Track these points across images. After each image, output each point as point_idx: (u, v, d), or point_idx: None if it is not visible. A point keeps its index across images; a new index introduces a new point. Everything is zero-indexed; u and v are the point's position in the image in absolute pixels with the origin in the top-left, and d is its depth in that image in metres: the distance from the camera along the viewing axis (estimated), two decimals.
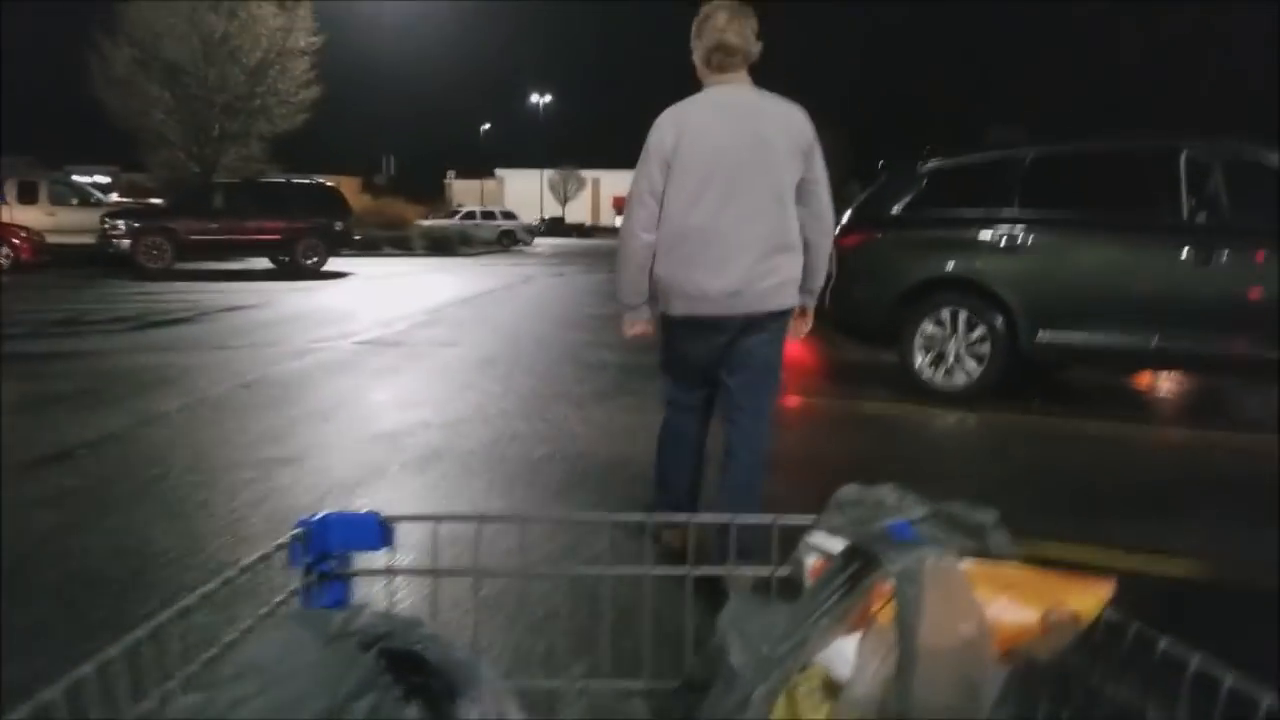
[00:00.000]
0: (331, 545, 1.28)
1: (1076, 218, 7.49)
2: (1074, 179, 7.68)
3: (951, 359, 7.82)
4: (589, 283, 22.12)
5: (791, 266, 3.45)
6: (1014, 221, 7.60)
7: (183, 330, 11.66)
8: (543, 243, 54.64)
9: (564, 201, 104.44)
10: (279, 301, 15.51)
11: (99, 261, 22.59)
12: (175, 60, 31.88)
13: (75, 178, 30.56)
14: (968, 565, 1.00)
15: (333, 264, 24.50)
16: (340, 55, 39.15)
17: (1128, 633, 1.00)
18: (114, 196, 45.75)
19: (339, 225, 24.44)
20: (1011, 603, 0.95)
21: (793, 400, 7.77)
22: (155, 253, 22.46)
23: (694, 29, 3.52)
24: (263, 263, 24.62)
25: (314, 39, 33.73)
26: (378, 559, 1.36)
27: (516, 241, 48.13)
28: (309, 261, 23.92)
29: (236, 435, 6.24)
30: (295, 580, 1.29)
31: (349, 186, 58.04)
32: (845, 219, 8.58)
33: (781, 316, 3.53)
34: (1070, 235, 7.46)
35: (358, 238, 26.36)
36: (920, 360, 7.96)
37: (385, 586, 1.41)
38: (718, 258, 3.36)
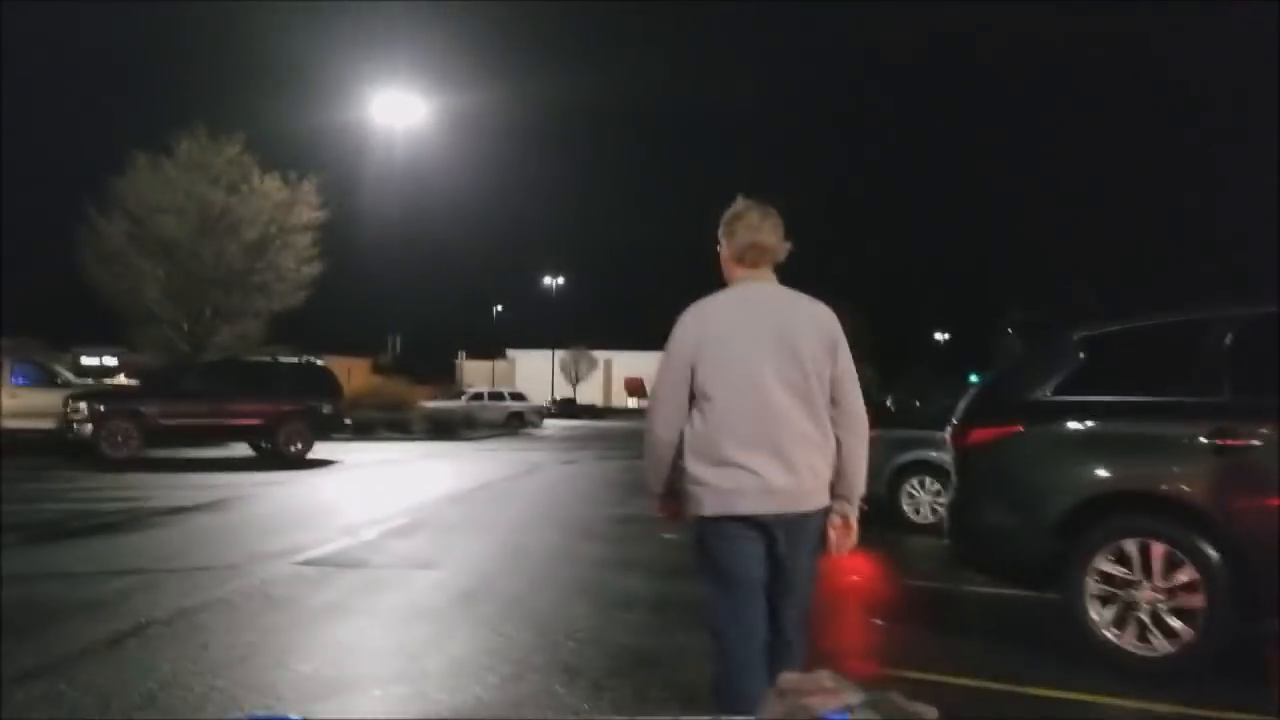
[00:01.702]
0: None
1: None
2: None
3: (1145, 615, 5.32)
4: (604, 472, 19.67)
5: (824, 465, 3.40)
6: (1232, 412, 5.24)
7: (100, 543, 9.20)
8: (553, 424, 52.44)
9: (575, 382, 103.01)
10: (241, 499, 13.09)
11: (60, 449, 20.31)
12: (170, 235, 30.48)
13: (84, 360, 28.37)
14: None
15: (320, 450, 22.17)
16: (345, 232, 38.05)
17: None
18: (121, 378, 43.99)
19: (328, 408, 22.23)
20: None
21: (905, 676, 5.23)
22: (120, 439, 20.14)
23: (724, 226, 3.59)
24: (243, 449, 22.34)
25: (317, 214, 32.43)
26: None
27: (525, 424, 45.93)
28: (293, 449, 21.60)
29: None
30: None
31: (358, 368, 56.56)
32: (964, 406, 6.25)
33: (818, 518, 3.44)
34: None
35: (348, 422, 24.04)
36: (1097, 615, 5.45)
37: None
38: (753, 457, 3.30)
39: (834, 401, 3.42)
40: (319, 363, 23.48)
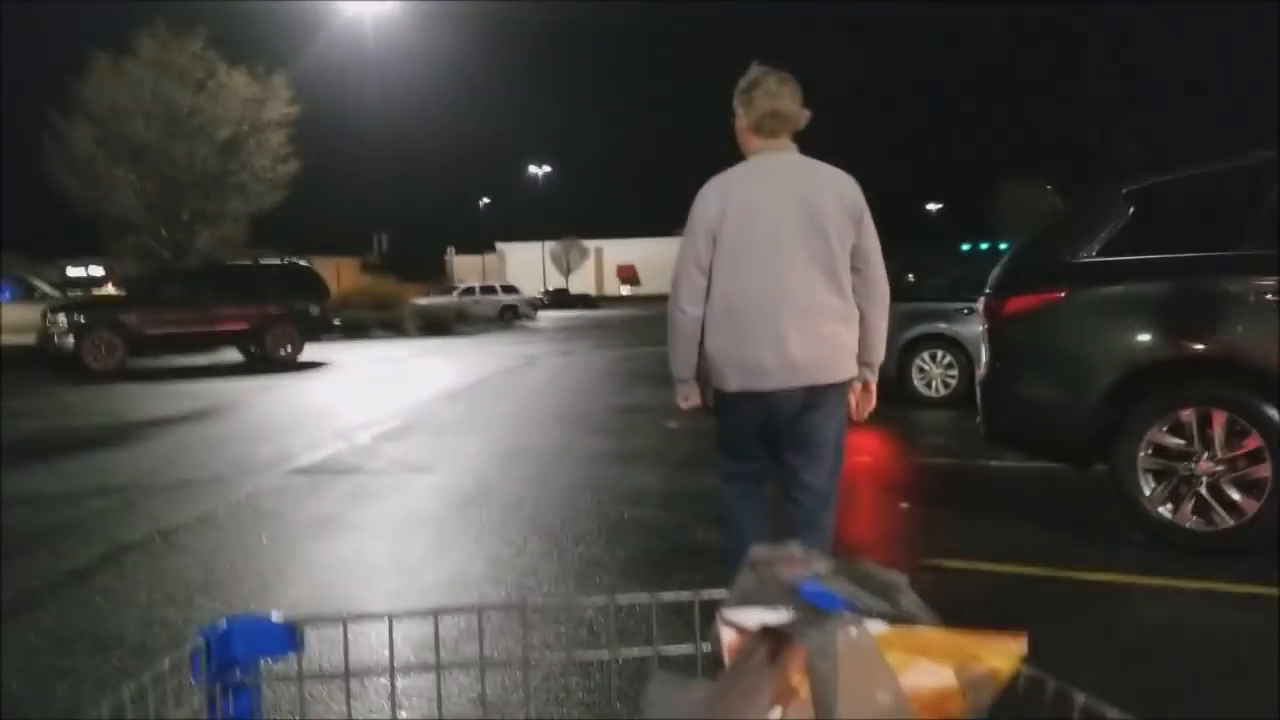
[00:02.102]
0: (236, 654, 1.19)
1: None
2: None
3: (1204, 489, 4.88)
4: (603, 362, 19.21)
5: (848, 336, 3.37)
6: None
7: (77, 461, 8.73)
8: (547, 316, 51.89)
9: (567, 273, 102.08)
10: (229, 406, 12.62)
11: (42, 363, 19.80)
12: (139, 138, 29.38)
13: (70, 271, 27.53)
14: (880, 630, 0.96)
15: (310, 352, 21.68)
16: (322, 128, 36.87)
17: (1046, 689, 1.00)
18: (110, 289, 43.08)
19: (315, 309, 21.67)
20: (928, 665, 0.93)
21: (938, 563, 4.82)
22: (104, 351, 19.62)
23: (740, 96, 3.46)
24: (233, 354, 21.85)
25: (290, 110, 31.23)
26: (288, 663, 1.24)
27: (519, 316, 45.37)
28: (282, 352, 21.12)
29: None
30: (199, 694, 1.15)
31: (347, 268, 55.51)
32: (999, 274, 5.71)
33: (842, 389, 3.42)
34: None
35: (337, 322, 23.49)
36: (1150, 490, 5.01)
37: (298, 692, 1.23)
38: (772, 329, 3.27)
39: (857, 272, 3.38)
40: (303, 263, 22.72)
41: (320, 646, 1.30)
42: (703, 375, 3.53)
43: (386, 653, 1.31)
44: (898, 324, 11.24)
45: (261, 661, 1.25)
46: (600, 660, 1.41)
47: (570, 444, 8.85)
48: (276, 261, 22.77)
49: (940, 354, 11.14)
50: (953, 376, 11.07)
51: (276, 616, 1.23)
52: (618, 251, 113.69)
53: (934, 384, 11.18)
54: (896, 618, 1.02)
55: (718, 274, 3.36)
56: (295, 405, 12.77)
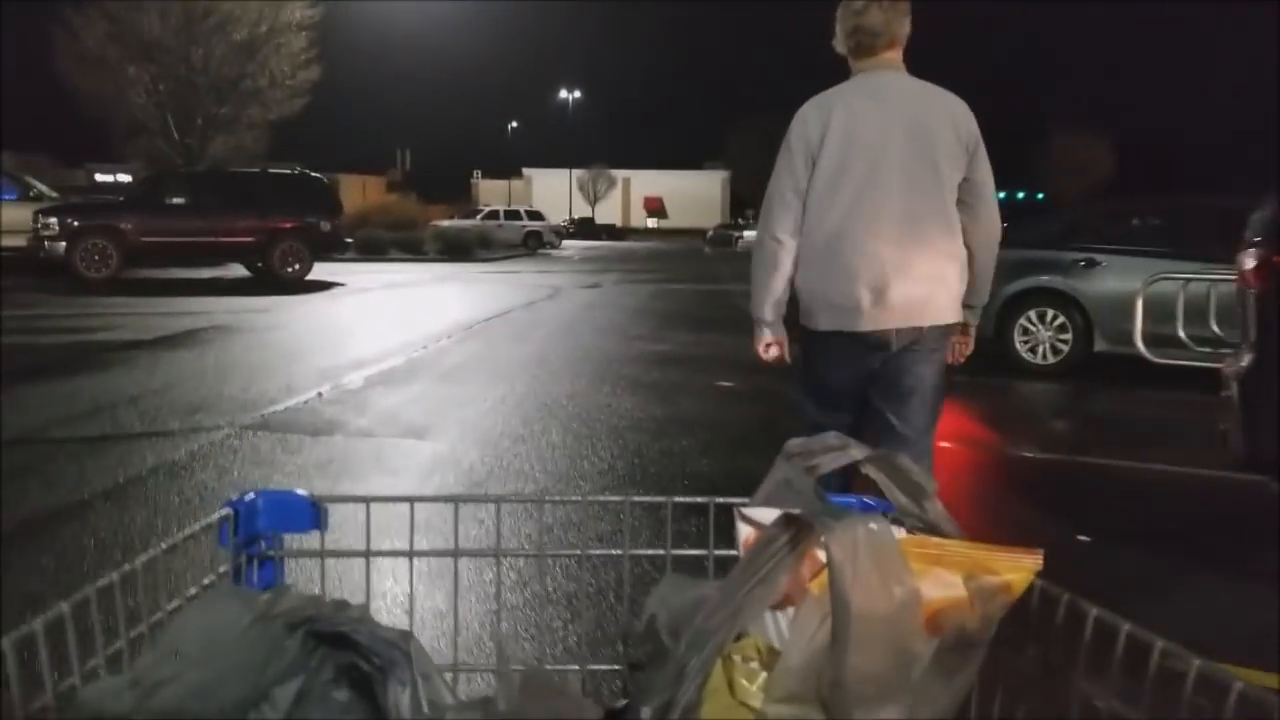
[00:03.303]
0: (261, 526, 1.22)
1: None
2: None
3: None
4: (634, 298, 17.57)
5: (955, 276, 3.09)
6: None
7: (11, 391, 7.25)
8: (571, 245, 50.18)
9: (593, 202, 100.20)
10: (214, 330, 11.14)
11: (31, 269, 18.37)
12: (152, 35, 27.66)
13: (99, 177, 25.77)
14: (900, 535, 0.98)
15: (320, 271, 20.20)
16: (346, 37, 34.99)
17: (1060, 603, 0.99)
18: None
19: (327, 225, 20.11)
20: (941, 574, 0.93)
21: None
22: (96, 258, 18.21)
23: (838, 13, 3.19)
24: (238, 269, 20.38)
25: (311, 11, 29.45)
26: (311, 540, 1.26)
27: (543, 244, 43.71)
28: (289, 269, 19.62)
29: None
30: (224, 562, 1.16)
31: (373, 185, 53.97)
32: (1263, 222, 4.06)
33: (945, 333, 3.16)
34: None
35: (350, 240, 21.92)
36: None
37: (319, 569, 1.27)
38: (872, 265, 3.00)
39: (967, 207, 3.11)
40: (315, 175, 21.07)
41: (341, 526, 1.28)
42: (783, 319, 3.24)
43: (401, 538, 1.33)
44: (998, 276, 9.61)
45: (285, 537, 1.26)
46: (613, 556, 1.35)
47: (601, 406, 7.28)
48: (287, 171, 21.08)
49: (1050, 314, 9.42)
50: (1064, 341, 9.38)
51: (302, 493, 1.27)
52: (646, 183, 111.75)
53: (1041, 349, 9.49)
54: (919, 526, 1.05)
55: (814, 202, 3.07)
56: (288, 334, 11.24)
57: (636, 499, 1.36)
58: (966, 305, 3.19)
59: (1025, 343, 9.51)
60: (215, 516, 1.17)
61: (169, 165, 28.89)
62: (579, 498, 1.53)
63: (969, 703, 1.00)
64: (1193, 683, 0.83)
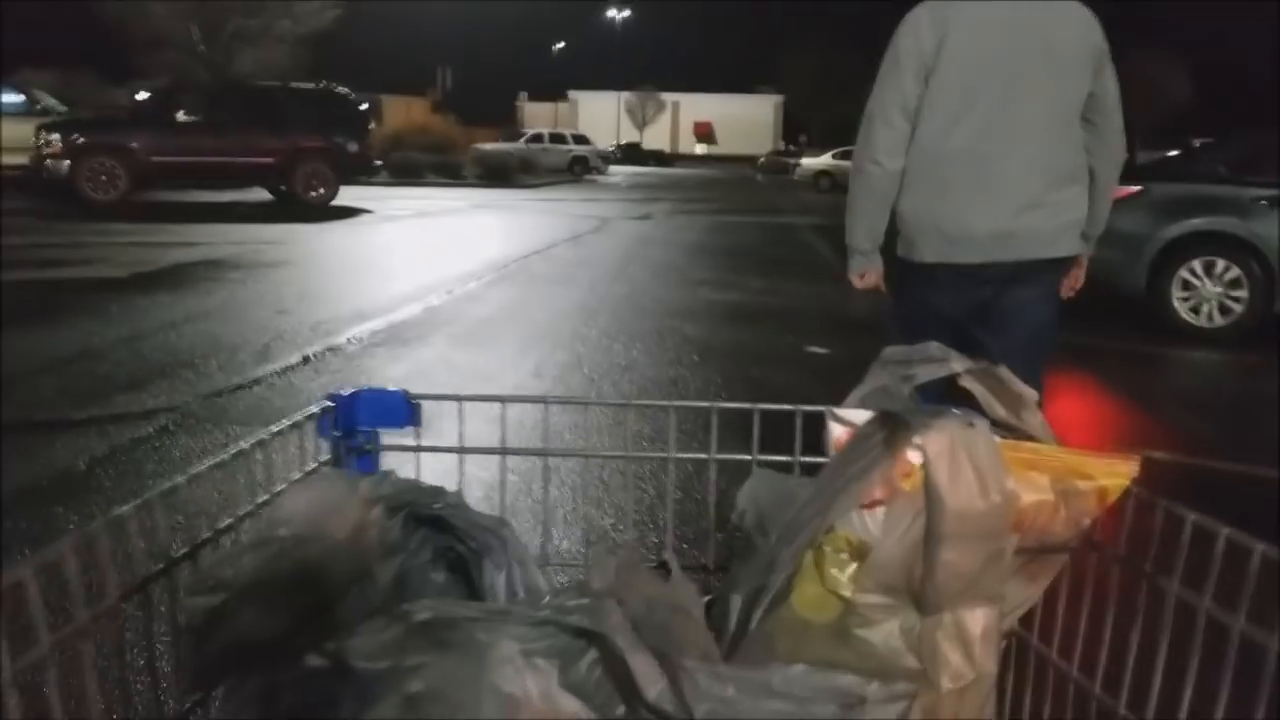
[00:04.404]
0: (360, 420, 1.28)
1: None
2: None
3: None
4: (691, 232, 15.69)
5: (1078, 203, 2.86)
6: None
7: None
8: (618, 171, 48.03)
9: (642, 126, 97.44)
10: (210, 267, 9.55)
11: (34, 190, 16.89)
12: None
13: (141, 96, 23.77)
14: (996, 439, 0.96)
15: (347, 195, 18.57)
16: None
17: (1155, 510, 0.98)
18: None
19: (354, 145, 18.41)
20: (1033, 478, 0.94)
21: None
22: (103, 179, 16.64)
23: None
24: (261, 193, 18.79)
25: None
26: (406, 437, 1.30)
27: (589, 169, 41.68)
28: (313, 194, 17.99)
29: None
30: (325, 452, 1.23)
31: (418, 108, 51.91)
32: None
33: (1059, 266, 2.91)
34: None
35: (379, 163, 20.22)
36: None
37: (414, 463, 1.27)
38: (987, 189, 2.77)
39: (1091, 125, 2.84)
40: (342, 90, 19.30)
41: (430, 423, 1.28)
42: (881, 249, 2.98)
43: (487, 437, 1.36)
44: (1152, 216, 7.72)
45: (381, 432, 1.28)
46: (698, 461, 1.32)
47: (665, 383, 5.58)
48: (310, 86, 19.34)
49: (1220, 264, 7.49)
50: (1237, 299, 7.47)
51: (400, 389, 1.29)
52: (695, 107, 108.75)
53: (1206, 309, 7.57)
54: (1015, 433, 1.03)
55: (925, 119, 2.78)
56: (291, 273, 9.59)
57: (723, 404, 1.33)
58: (1084, 235, 2.93)
59: (1186, 300, 7.61)
60: (316, 408, 1.22)
61: (194, 82, 27.31)
62: (665, 403, 1.38)
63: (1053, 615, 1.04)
64: None
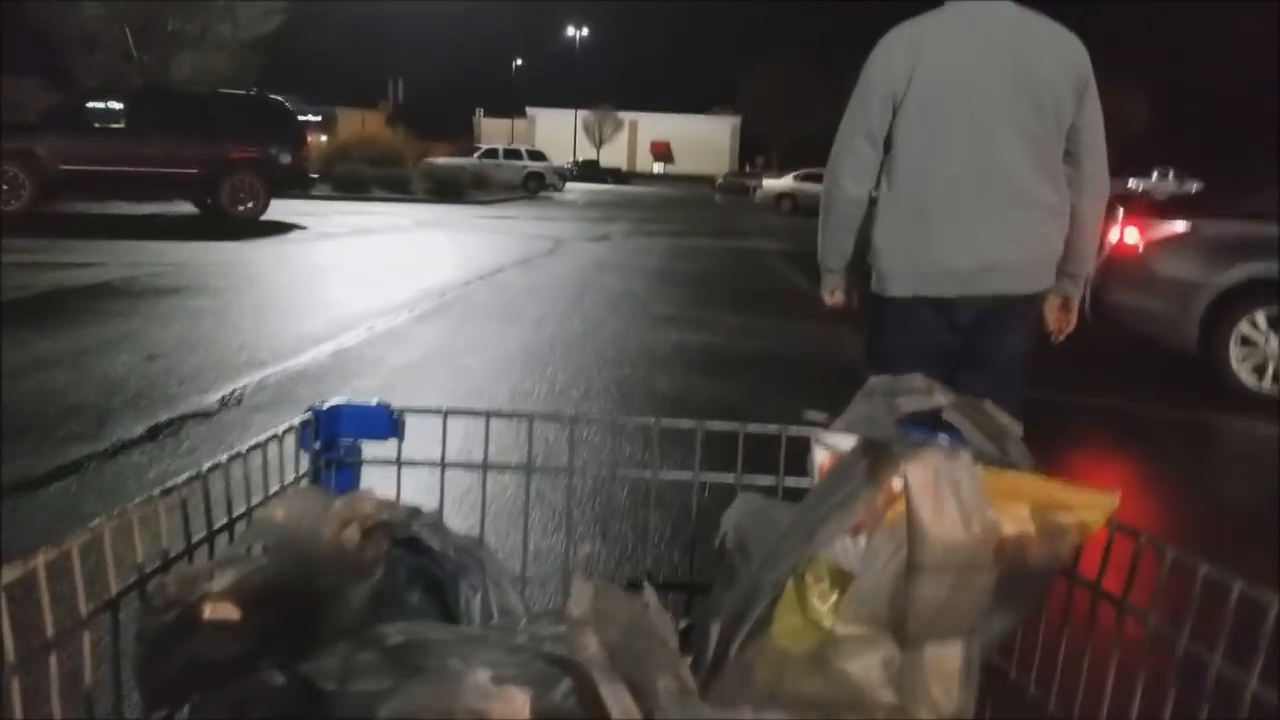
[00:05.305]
0: (341, 432, 1.26)
1: None
2: None
3: None
4: (652, 255, 14.39)
5: (1057, 238, 2.77)
6: None
7: None
8: (574, 189, 46.70)
9: (599, 144, 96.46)
10: (85, 296, 8.12)
11: None
12: None
13: (90, 104, 22.03)
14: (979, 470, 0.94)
15: (280, 210, 17.13)
16: None
17: (1138, 543, 0.98)
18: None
19: (287, 156, 16.97)
20: (1013, 510, 0.93)
21: None
22: (5, 188, 15.07)
23: None
24: (187, 206, 17.28)
25: None
26: (388, 449, 1.27)
27: (545, 186, 40.31)
28: (241, 208, 16.54)
29: None
30: (305, 465, 1.21)
31: (373, 121, 50.30)
32: None
33: (1036, 301, 2.84)
34: None
35: (315, 175, 18.76)
36: None
37: (395, 477, 1.26)
38: (962, 221, 2.67)
39: (1072, 158, 2.74)
40: (275, 97, 17.83)
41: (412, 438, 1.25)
42: (850, 267, 2.93)
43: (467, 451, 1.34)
44: (1203, 259, 6.55)
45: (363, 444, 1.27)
46: (683, 481, 1.30)
47: (632, 464, 4.28)
48: (241, 92, 17.87)
49: None
50: None
51: (382, 402, 1.27)
52: (653, 126, 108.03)
53: (1272, 368, 6.40)
54: (998, 463, 1.03)
55: (899, 149, 2.67)
56: (184, 305, 8.11)
57: (710, 425, 1.30)
58: (1068, 274, 2.82)
59: (1246, 359, 6.39)
60: (297, 420, 1.20)
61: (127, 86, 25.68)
62: (651, 419, 1.34)
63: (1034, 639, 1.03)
64: (1274, 622, 0.80)
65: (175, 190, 16.79)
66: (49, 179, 15.38)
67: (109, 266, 9.78)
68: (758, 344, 7.50)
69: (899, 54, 2.66)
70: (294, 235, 14.80)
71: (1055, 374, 6.62)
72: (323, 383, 5.50)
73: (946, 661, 0.90)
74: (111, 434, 4.30)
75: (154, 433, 4.38)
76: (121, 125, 16.49)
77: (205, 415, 4.72)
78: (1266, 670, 0.81)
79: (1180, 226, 6.57)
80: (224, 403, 4.96)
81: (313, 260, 12.08)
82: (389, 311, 7.99)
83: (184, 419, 4.62)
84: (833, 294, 3.00)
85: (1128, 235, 6.83)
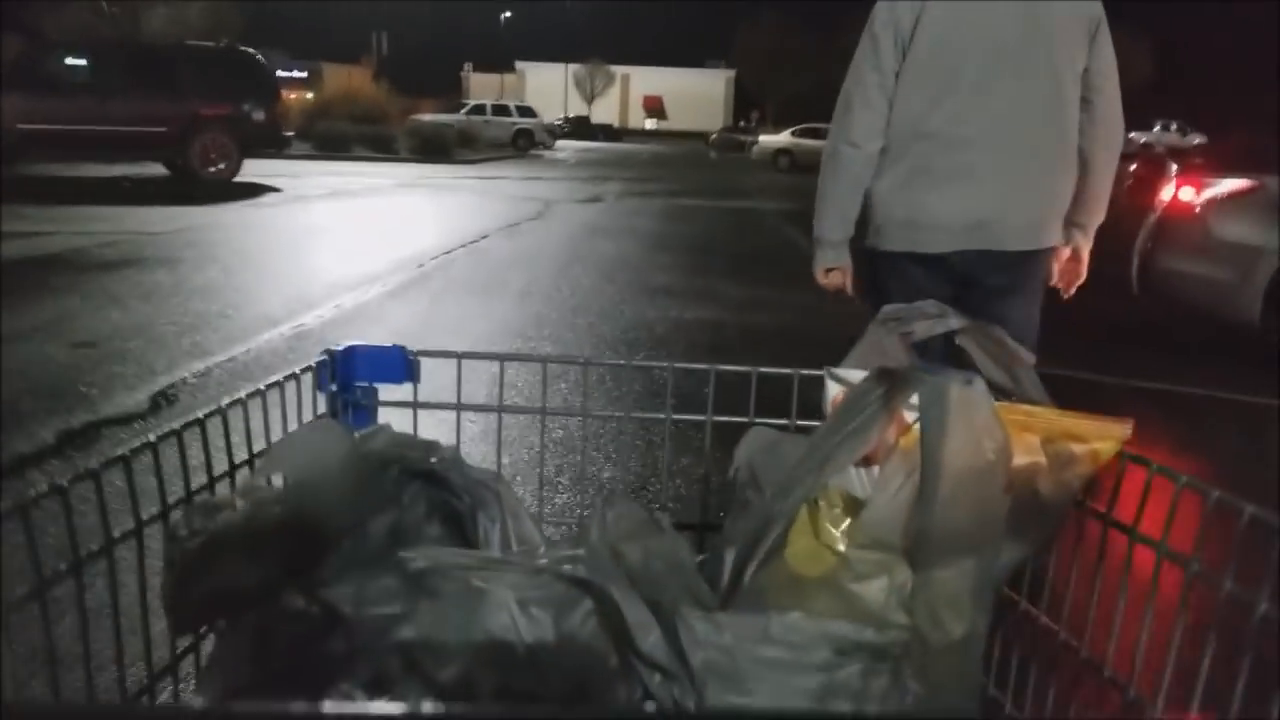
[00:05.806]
0: (357, 375, 1.26)
1: None
2: None
3: None
4: (646, 219, 13.63)
5: (1066, 190, 2.63)
6: None
7: None
8: (565, 146, 45.65)
9: (590, 99, 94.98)
10: (24, 273, 7.37)
11: None
12: None
13: (69, 60, 21.05)
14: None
15: (254, 170, 16.32)
16: None
17: (1149, 471, 0.98)
18: None
19: (260, 114, 16.10)
20: (1025, 439, 0.94)
21: None
22: None
23: None
24: (156, 167, 16.41)
25: None
26: (403, 392, 1.28)
27: (535, 144, 39.26)
28: (211, 169, 15.72)
29: None
30: (321, 405, 1.21)
31: (358, 76, 48.88)
32: None
33: (1044, 257, 2.67)
34: None
35: (290, 134, 17.88)
36: None
37: (412, 419, 1.24)
38: (964, 175, 2.54)
39: (1086, 104, 2.58)
40: (248, 50, 16.89)
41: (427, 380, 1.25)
42: (851, 242, 2.76)
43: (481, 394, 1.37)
44: (1270, 221, 5.83)
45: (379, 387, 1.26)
46: (697, 421, 1.31)
47: (633, 488, 3.60)
48: (210, 45, 16.96)
49: None
50: None
51: (397, 345, 1.25)
52: (645, 80, 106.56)
53: None
54: (1010, 395, 1.04)
55: (902, 99, 2.55)
56: (129, 283, 7.36)
57: (722, 367, 1.32)
58: (1077, 224, 2.68)
59: None
60: (313, 361, 1.20)
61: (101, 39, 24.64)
62: (665, 364, 1.37)
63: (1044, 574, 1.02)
64: None
65: (143, 150, 15.90)
66: (5, 140, 14.52)
67: (60, 236, 9.01)
68: (769, 319, 6.78)
69: (904, 2, 2.54)
70: (266, 199, 13.98)
71: (1096, 351, 5.95)
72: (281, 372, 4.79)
73: (959, 586, 0.88)
74: (10, 444, 3.59)
75: (63, 442, 3.66)
76: (84, 81, 15.59)
77: (129, 419, 4.00)
78: (1278, 590, 0.79)
79: (1244, 183, 5.85)
80: (155, 403, 4.26)
81: (282, 227, 11.27)
82: (359, 285, 7.25)
83: (102, 424, 3.90)
84: (829, 273, 2.78)
85: (1183, 194, 6.11)
